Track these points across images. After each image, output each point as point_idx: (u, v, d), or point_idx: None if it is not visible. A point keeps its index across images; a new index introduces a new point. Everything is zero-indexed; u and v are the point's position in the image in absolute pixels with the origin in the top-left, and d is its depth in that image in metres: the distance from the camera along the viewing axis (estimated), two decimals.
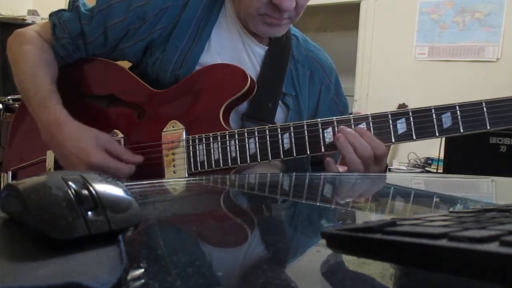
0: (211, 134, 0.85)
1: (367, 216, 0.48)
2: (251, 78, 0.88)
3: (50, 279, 0.22)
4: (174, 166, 0.87)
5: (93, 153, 0.81)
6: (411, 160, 3.42)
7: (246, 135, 0.83)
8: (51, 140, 0.85)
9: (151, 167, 0.87)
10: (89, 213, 0.29)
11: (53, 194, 0.29)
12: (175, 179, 0.83)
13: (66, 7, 0.96)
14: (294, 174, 0.90)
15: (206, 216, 0.46)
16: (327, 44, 2.51)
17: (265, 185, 0.69)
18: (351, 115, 0.83)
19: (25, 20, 3.40)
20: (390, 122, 0.79)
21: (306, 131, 0.81)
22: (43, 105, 0.85)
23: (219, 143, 0.85)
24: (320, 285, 0.26)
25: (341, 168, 0.85)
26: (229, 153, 0.84)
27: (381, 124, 0.79)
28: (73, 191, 0.29)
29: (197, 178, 0.80)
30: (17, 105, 2.29)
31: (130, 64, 1.00)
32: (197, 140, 0.86)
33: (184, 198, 0.59)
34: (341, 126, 0.79)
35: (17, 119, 1.01)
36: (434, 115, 0.77)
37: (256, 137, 0.83)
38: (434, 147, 2.75)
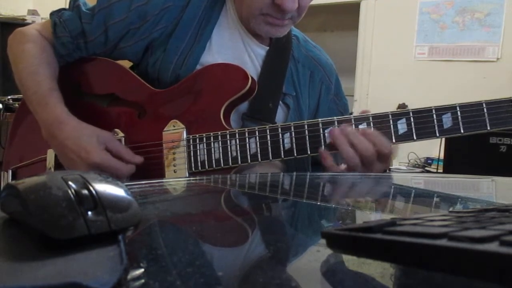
0: (211, 134, 0.85)
1: (367, 216, 0.48)
2: (252, 78, 0.88)
3: (50, 279, 0.22)
4: (174, 165, 0.87)
5: (94, 151, 0.81)
6: (411, 160, 3.41)
7: (246, 135, 0.84)
8: (52, 139, 0.85)
9: (151, 167, 0.87)
10: (89, 213, 0.29)
11: (53, 194, 0.29)
12: (175, 179, 0.83)
13: (67, 7, 0.97)
14: (294, 173, 0.90)
15: (206, 216, 0.46)
16: (327, 44, 2.51)
17: (265, 185, 0.69)
18: (351, 115, 0.83)
19: (25, 20, 3.40)
20: (391, 122, 0.79)
21: (306, 131, 0.81)
22: (44, 103, 0.85)
23: (220, 142, 0.85)
24: (320, 285, 0.26)
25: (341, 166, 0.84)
26: (229, 152, 0.84)
27: (381, 124, 0.79)
28: (73, 191, 0.29)
29: (198, 178, 0.80)
30: (17, 105, 2.29)
31: (131, 64, 1.00)
32: (197, 139, 0.86)
33: (184, 198, 0.59)
34: (342, 126, 0.79)
35: (18, 118, 1.01)
36: (434, 115, 0.77)
37: (257, 137, 0.83)
38: (434, 147, 2.75)
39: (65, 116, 0.84)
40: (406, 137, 0.79)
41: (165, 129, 0.88)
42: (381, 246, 0.23)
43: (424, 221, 0.26)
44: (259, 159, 0.83)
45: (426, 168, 3.32)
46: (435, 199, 0.62)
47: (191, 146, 0.86)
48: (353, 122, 0.80)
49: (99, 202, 0.29)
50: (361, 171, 0.78)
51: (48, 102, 0.85)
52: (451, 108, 0.77)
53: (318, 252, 0.31)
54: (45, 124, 0.85)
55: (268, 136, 0.83)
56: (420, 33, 3.60)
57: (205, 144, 0.85)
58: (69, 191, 0.29)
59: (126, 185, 0.34)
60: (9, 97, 2.70)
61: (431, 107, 0.78)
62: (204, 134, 0.86)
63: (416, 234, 0.22)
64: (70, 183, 0.30)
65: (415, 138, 0.78)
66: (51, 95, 0.86)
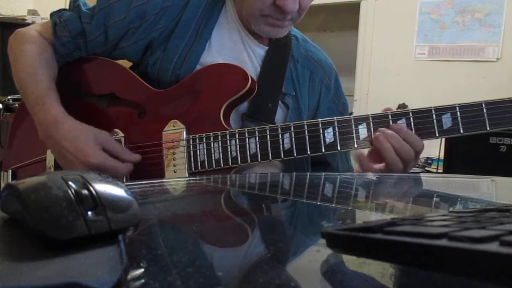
0: (211, 134, 0.85)
1: (367, 216, 0.48)
2: (251, 78, 0.88)
3: (50, 279, 0.22)
4: (174, 165, 0.87)
5: (91, 152, 0.80)
6: None
7: (246, 135, 0.83)
8: (49, 139, 0.85)
9: (151, 167, 0.87)
10: (89, 213, 0.29)
11: (53, 194, 0.29)
12: (175, 179, 0.83)
13: (67, 7, 0.97)
14: (294, 173, 0.90)
15: (206, 216, 0.46)
16: (327, 44, 2.51)
17: (265, 185, 0.69)
18: (351, 116, 0.83)
19: (25, 20, 3.40)
20: (391, 122, 0.79)
21: (306, 131, 0.81)
22: (41, 103, 0.85)
23: (220, 142, 0.85)
24: (320, 285, 0.26)
25: (376, 166, 0.82)
26: (229, 152, 0.84)
27: (381, 125, 0.79)
28: (73, 191, 0.29)
29: (197, 178, 0.80)
30: (17, 105, 2.29)
31: (130, 64, 1.00)
32: (197, 139, 0.86)
33: (184, 198, 0.59)
34: (381, 128, 0.79)
35: (18, 118, 1.01)
36: (434, 115, 0.77)
37: (257, 137, 0.83)
38: (434, 147, 2.75)
39: (61, 116, 0.84)
40: None
41: (165, 129, 0.88)
42: (381, 246, 0.23)
43: (424, 221, 0.26)
44: (259, 159, 0.83)
45: (426, 168, 3.32)
46: (435, 199, 0.62)
47: (191, 146, 0.86)
48: (352, 122, 0.80)
49: (99, 202, 0.29)
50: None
51: (45, 102, 0.85)
52: (450, 108, 0.77)
53: (318, 252, 0.31)
54: (42, 124, 0.85)
55: (268, 136, 0.83)
56: (420, 33, 3.60)
57: (205, 144, 0.85)
58: (69, 191, 0.29)
59: (126, 185, 0.34)
60: (9, 97, 2.70)
61: (430, 107, 0.78)
62: (204, 134, 0.86)
63: (416, 234, 0.22)
64: (70, 183, 0.30)
65: None
66: (48, 95, 0.86)
